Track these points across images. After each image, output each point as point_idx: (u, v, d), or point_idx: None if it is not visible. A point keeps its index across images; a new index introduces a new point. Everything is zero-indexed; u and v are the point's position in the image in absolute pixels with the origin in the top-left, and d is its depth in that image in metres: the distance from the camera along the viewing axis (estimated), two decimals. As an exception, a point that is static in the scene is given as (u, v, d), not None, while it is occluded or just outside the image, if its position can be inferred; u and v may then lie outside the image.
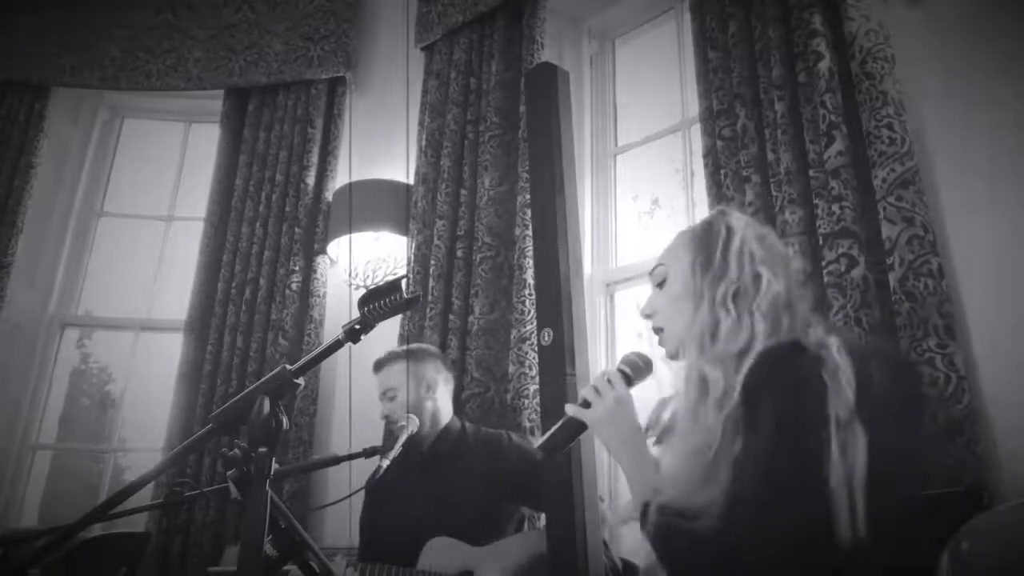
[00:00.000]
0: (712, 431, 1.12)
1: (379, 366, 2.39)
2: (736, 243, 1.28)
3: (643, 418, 1.34)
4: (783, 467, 1.03)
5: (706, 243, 1.30)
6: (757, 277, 1.24)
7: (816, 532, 1.01)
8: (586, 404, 1.33)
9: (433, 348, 2.55)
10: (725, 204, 2.23)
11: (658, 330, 1.36)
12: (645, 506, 1.18)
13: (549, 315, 1.91)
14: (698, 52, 2.47)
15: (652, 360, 1.37)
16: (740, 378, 1.14)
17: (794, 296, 1.26)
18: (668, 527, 1.11)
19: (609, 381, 1.32)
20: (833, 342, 1.11)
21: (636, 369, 1.36)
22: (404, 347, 2.50)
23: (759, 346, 1.17)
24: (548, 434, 1.37)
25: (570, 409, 1.34)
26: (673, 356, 1.35)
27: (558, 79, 2.11)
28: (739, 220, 1.33)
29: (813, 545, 1.02)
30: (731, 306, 1.22)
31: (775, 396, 1.08)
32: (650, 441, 1.32)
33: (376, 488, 2.13)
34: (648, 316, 1.38)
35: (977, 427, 1.70)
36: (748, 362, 1.15)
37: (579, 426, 1.34)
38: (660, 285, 1.36)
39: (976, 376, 1.78)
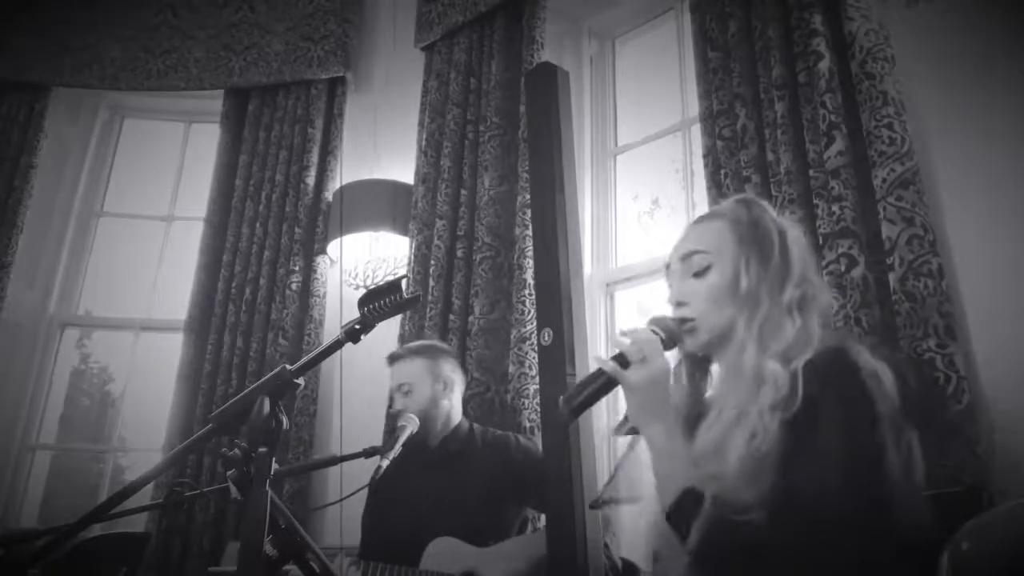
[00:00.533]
0: (766, 430, 1.11)
1: (395, 359, 2.38)
2: (793, 246, 1.28)
3: None
4: (843, 465, 1.06)
5: (759, 241, 1.28)
6: (810, 283, 1.26)
7: (876, 524, 1.04)
8: (624, 362, 1.22)
9: (449, 347, 2.55)
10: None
11: (687, 320, 1.29)
12: (685, 495, 1.13)
13: (549, 315, 1.91)
14: (698, 52, 2.47)
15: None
16: (787, 377, 1.14)
17: (831, 306, 1.29)
18: (721, 520, 1.08)
19: (654, 346, 1.23)
20: (860, 348, 1.16)
21: (670, 336, 1.28)
22: (420, 343, 2.50)
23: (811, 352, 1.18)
24: (576, 389, 1.25)
25: (607, 366, 1.22)
26: (703, 349, 1.31)
27: (558, 79, 2.11)
28: (780, 217, 1.32)
29: (874, 535, 1.05)
30: (796, 313, 1.22)
31: (831, 399, 1.10)
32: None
33: (378, 488, 2.13)
34: (680, 304, 1.31)
35: (977, 427, 1.70)
36: (800, 366, 1.16)
37: (611, 384, 1.23)
38: (698, 275, 1.30)
39: (976, 376, 1.78)
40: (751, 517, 1.05)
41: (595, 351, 2.80)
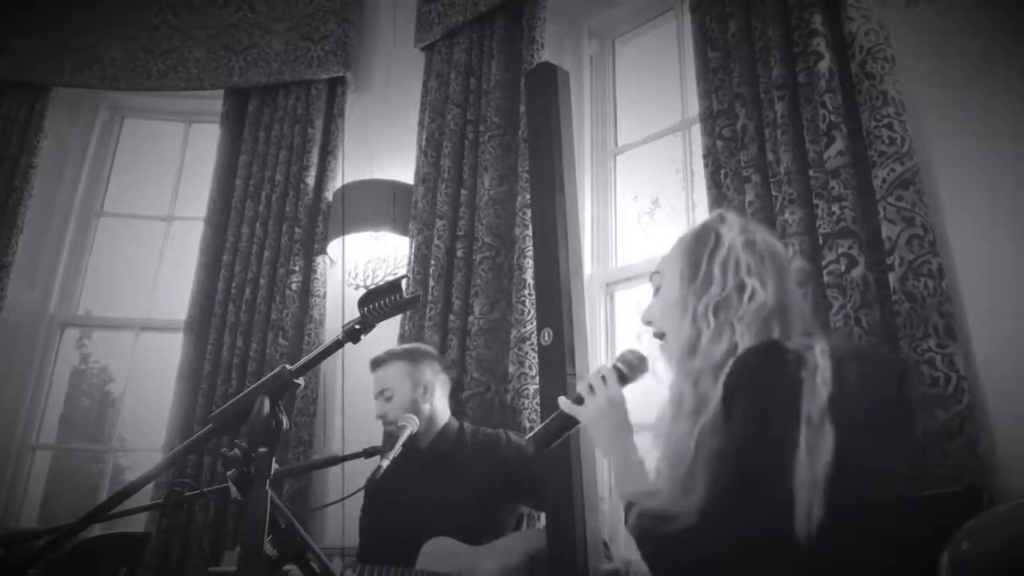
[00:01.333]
0: (685, 440, 1.14)
1: (376, 364, 2.38)
2: (722, 253, 1.27)
3: (641, 416, 1.34)
4: (752, 465, 1.05)
5: (694, 253, 1.31)
6: (741, 287, 1.24)
7: (781, 529, 1.02)
8: (579, 400, 1.34)
9: (431, 348, 2.54)
10: (726, 204, 2.24)
11: (660, 335, 1.36)
12: (628, 507, 1.20)
13: (549, 315, 1.91)
14: (698, 52, 2.47)
15: (647, 358, 1.37)
16: (720, 383, 1.15)
17: (789, 300, 1.26)
18: (646, 530, 1.15)
19: (603, 379, 1.33)
20: (817, 343, 1.12)
21: (631, 367, 1.36)
22: (402, 347, 2.50)
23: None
24: (539, 428, 1.39)
25: (563, 404, 1.35)
26: (669, 360, 1.34)
27: (558, 79, 2.11)
28: (731, 227, 1.31)
29: (776, 542, 1.03)
30: (711, 318, 1.22)
31: (748, 394, 1.10)
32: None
33: (376, 488, 2.13)
34: (648, 323, 1.39)
35: (977, 427, 1.70)
36: (727, 368, 1.16)
37: (570, 422, 1.35)
38: (656, 292, 1.38)
39: (976, 376, 1.78)
40: (674, 526, 1.08)
41: (595, 351, 2.80)
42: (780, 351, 1.13)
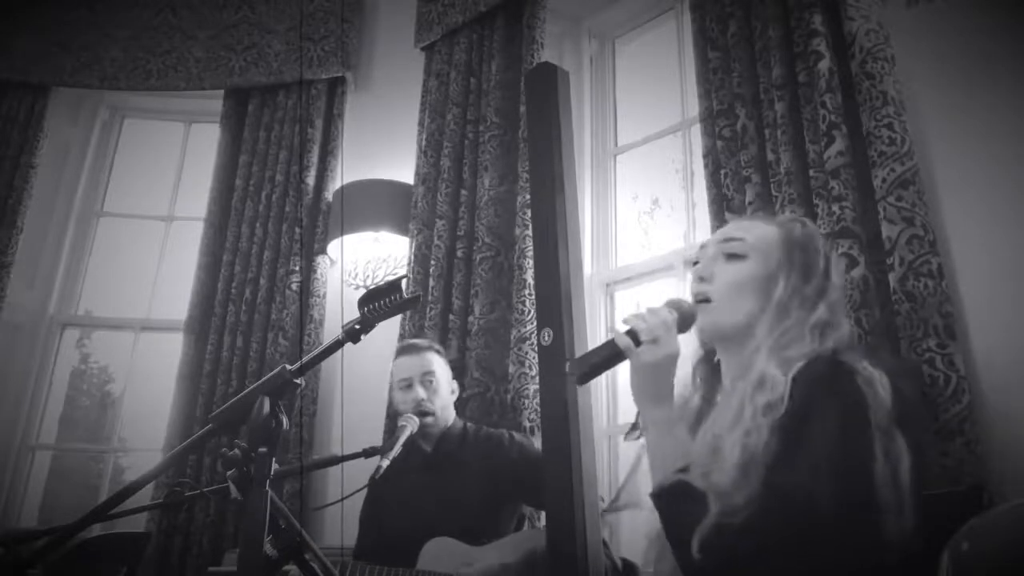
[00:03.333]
0: (759, 430, 1.13)
1: (415, 350, 2.37)
2: (835, 276, 1.31)
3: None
4: (830, 468, 1.07)
5: (806, 257, 1.30)
6: (842, 317, 1.29)
7: (863, 527, 1.06)
8: (635, 339, 1.21)
9: None
10: (726, 204, 2.23)
11: (704, 298, 1.31)
12: (678, 488, 1.14)
13: (549, 315, 1.91)
14: (698, 52, 2.47)
15: (695, 313, 1.30)
16: (787, 381, 1.16)
17: (854, 337, 1.32)
18: (720, 527, 1.09)
19: (667, 328, 1.22)
20: (859, 358, 1.18)
21: (684, 319, 1.26)
22: (429, 340, 2.51)
23: None
24: (589, 361, 1.24)
25: (621, 340, 1.21)
26: (710, 332, 1.32)
27: (558, 79, 2.10)
28: (831, 250, 1.36)
29: (860, 538, 1.07)
30: (817, 334, 1.24)
31: (825, 404, 1.12)
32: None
33: (377, 488, 2.13)
34: (702, 279, 1.32)
35: (977, 427, 1.70)
36: (795, 371, 1.18)
37: (619, 358, 1.23)
38: (731, 258, 1.32)
39: (976, 376, 1.78)
40: (740, 519, 1.07)
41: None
42: (843, 363, 1.17)
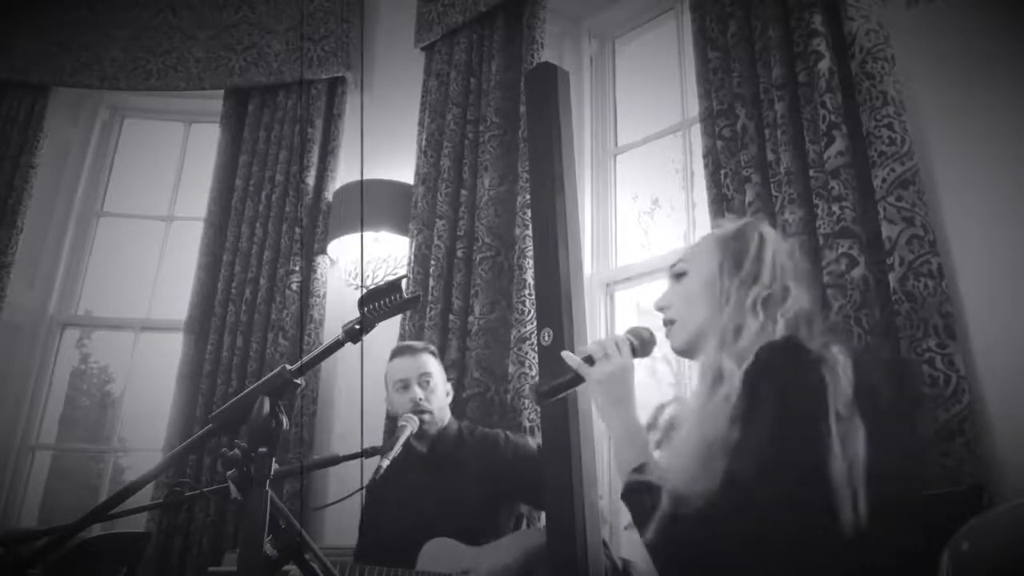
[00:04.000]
0: (715, 420, 1.16)
1: (409, 351, 2.38)
2: (769, 253, 1.34)
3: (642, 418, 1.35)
4: (781, 455, 1.08)
5: (737, 248, 1.35)
6: (786, 289, 1.30)
7: (815, 518, 1.06)
8: (590, 361, 1.34)
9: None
10: (726, 204, 2.24)
11: (669, 322, 1.40)
12: (631, 473, 1.22)
13: (549, 315, 1.91)
14: (698, 52, 2.47)
15: (656, 339, 1.40)
16: (740, 372, 1.18)
17: (815, 312, 1.31)
18: (673, 516, 1.13)
19: (617, 346, 1.34)
20: (833, 345, 1.18)
21: (643, 343, 1.39)
22: (424, 342, 2.51)
23: None
24: (548, 383, 1.39)
25: (573, 361, 1.35)
26: (681, 349, 1.40)
27: (558, 79, 2.10)
28: (770, 231, 1.39)
29: (811, 530, 1.07)
30: (759, 311, 1.27)
31: (774, 388, 1.13)
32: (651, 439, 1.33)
33: (377, 488, 2.13)
34: (661, 309, 1.42)
35: (977, 427, 1.70)
36: (749, 358, 1.19)
37: (577, 379, 1.36)
38: (678, 278, 1.41)
39: (976, 376, 1.78)
40: (695, 509, 1.09)
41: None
42: (799, 348, 1.17)
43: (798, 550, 1.07)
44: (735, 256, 1.34)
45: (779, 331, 1.24)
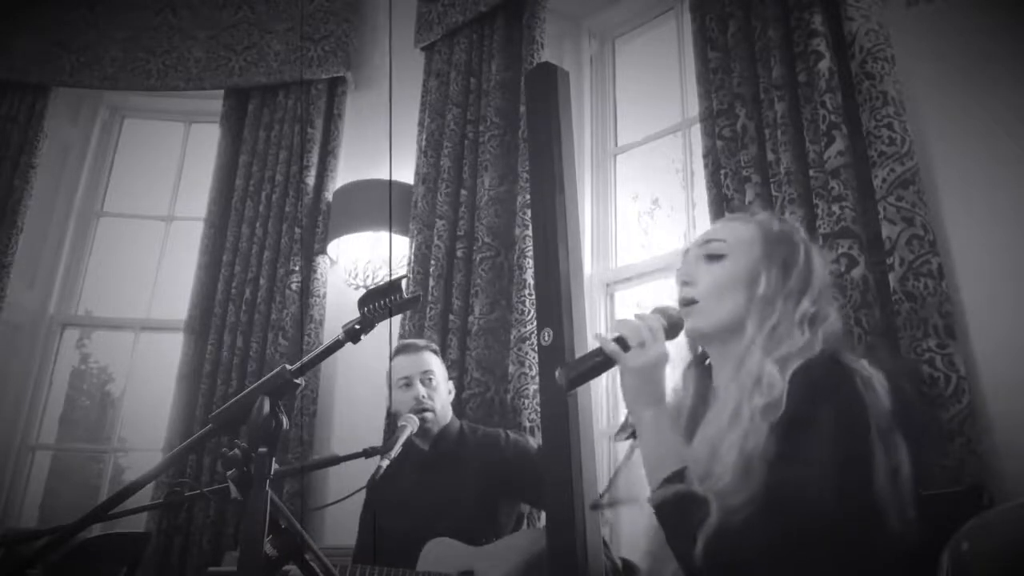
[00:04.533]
0: (757, 431, 1.13)
1: (411, 349, 2.38)
2: (817, 267, 1.31)
3: None
4: (832, 468, 1.08)
5: (786, 252, 1.31)
6: (829, 308, 1.29)
7: (865, 526, 1.08)
8: (623, 344, 1.21)
9: None
10: (726, 204, 2.24)
11: (690, 301, 1.31)
12: (667, 481, 1.14)
13: (549, 315, 1.91)
14: (698, 52, 2.47)
15: (683, 323, 1.30)
16: (785, 384, 1.17)
17: (843, 327, 1.32)
18: (723, 529, 1.09)
19: (652, 332, 1.22)
20: (858, 359, 1.19)
21: (672, 326, 1.27)
22: (426, 341, 2.52)
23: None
24: (579, 367, 1.25)
25: (608, 346, 1.21)
26: (699, 334, 1.33)
27: (558, 79, 2.10)
28: (811, 242, 1.36)
29: (863, 537, 1.09)
30: (807, 327, 1.24)
31: (827, 407, 1.12)
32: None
33: (377, 488, 2.13)
34: (685, 283, 1.33)
35: (977, 427, 1.70)
36: (792, 371, 1.18)
37: (607, 363, 1.23)
38: (712, 259, 1.33)
39: (976, 376, 1.78)
40: (741, 519, 1.07)
41: (595, 351, 2.79)
42: (842, 365, 1.17)
43: (852, 566, 1.09)
44: (784, 263, 1.29)
45: (817, 346, 1.22)
